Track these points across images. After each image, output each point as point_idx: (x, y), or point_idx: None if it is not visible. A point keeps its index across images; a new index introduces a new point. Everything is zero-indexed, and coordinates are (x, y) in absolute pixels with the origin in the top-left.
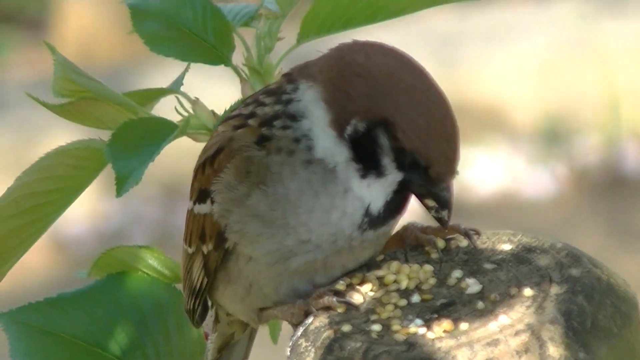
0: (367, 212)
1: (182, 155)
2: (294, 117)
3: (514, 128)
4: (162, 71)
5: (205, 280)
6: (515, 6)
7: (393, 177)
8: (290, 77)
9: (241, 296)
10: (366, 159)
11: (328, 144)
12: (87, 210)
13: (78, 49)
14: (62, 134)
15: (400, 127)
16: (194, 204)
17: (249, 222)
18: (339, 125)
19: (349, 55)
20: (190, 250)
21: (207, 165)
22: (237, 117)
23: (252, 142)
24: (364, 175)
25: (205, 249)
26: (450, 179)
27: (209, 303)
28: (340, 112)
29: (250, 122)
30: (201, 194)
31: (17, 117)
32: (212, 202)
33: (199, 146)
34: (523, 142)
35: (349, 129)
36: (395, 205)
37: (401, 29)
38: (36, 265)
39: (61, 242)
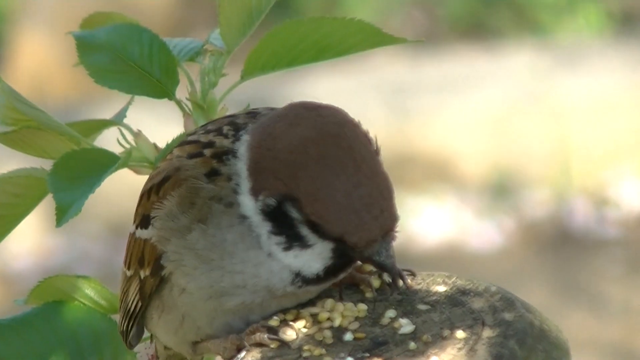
0: (298, 276)
1: (127, 191)
2: (230, 172)
3: (463, 180)
4: (114, 107)
5: (140, 304)
6: (469, 58)
7: (320, 247)
8: (248, 120)
9: (175, 327)
10: (286, 231)
11: (251, 212)
12: (32, 246)
13: (31, 84)
14: (6, 165)
15: (303, 202)
16: (136, 228)
17: (187, 255)
18: (255, 196)
19: (274, 123)
20: (128, 273)
21: (153, 192)
22: (194, 143)
23: (202, 174)
24: (287, 248)
25: (142, 273)
26: (374, 246)
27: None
28: (255, 184)
29: (206, 152)
30: (144, 220)
31: None
32: (153, 227)
33: (142, 184)
34: (471, 194)
35: (259, 204)
36: (337, 268)
37: (355, 77)
38: None
39: (6, 277)
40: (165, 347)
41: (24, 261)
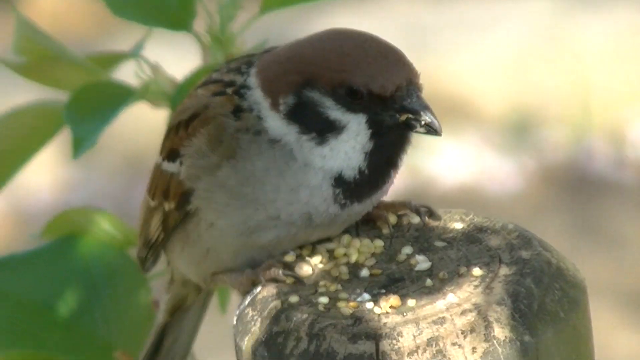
0: (338, 182)
1: (144, 127)
2: (250, 103)
3: (482, 119)
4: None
5: (162, 235)
6: None
7: (353, 124)
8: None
9: (197, 260)
10: (315, 124)
11: (277, 125)
12: (50, 181)
13: (49, 20)
14: (22, 97)
15: (319, 75)
16: (163, 160)
17: (217, 192)
18: (276, 106)
19: (275, 48)
20: (152, 204)
21: (182, 127)
22: (217, 82)
23: (229, 111)
24: (320, 142)
25: (167, 206)
26: (402, 91)
27: (165, 259)
28: (272, 96)
29: (228, 90)
30: (172, 153)
31: None
32: (181, 164)
33: (163, 120)
34: (491, 133)
35: (282, 108)
36: (381, 159)
37: (374, 15)
38: None
39: (23, 212)
40: (181, 274)
41: (42, 196)
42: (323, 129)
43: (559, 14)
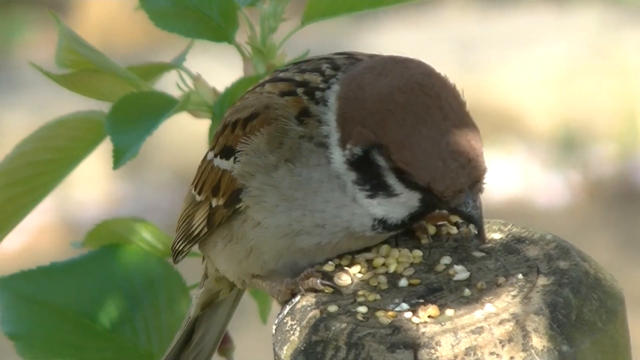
0: (380, 222)
1: (191, 141)
2: (320, 116)
3: (530, 134)
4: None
5: (205, 230)
6: (538, 12)
7: (406, 196)
8: (346, 62)
9: (239, 258)
10: (372, 180)
11: (338, 160)
12: (99, 195)
13: (99, 32)
14: (65, 108)
15: (391, 150)
16: (215, 156)
17: (269, 192)
18: (342, 146)
19: (362, 74)
20: (198, 198)
21: (239, 125)
22: (287, 81)
23: (292, 115)
24: (372, 196)
25: (215, 202)
26: (462, 196)
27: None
28: (343, 134)
29: (299, 90)
30: (226, 150)
31: (34, 98)
32: (235, 161)
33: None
34: (539, 148)
35: (347, 153)
36: (421, 215)
37: (423, 29)
38: (47, 247)
39: (72, 225)
40: (217, 270)
41: (90, 210)
42: (378, 188)
43: (606, 28)
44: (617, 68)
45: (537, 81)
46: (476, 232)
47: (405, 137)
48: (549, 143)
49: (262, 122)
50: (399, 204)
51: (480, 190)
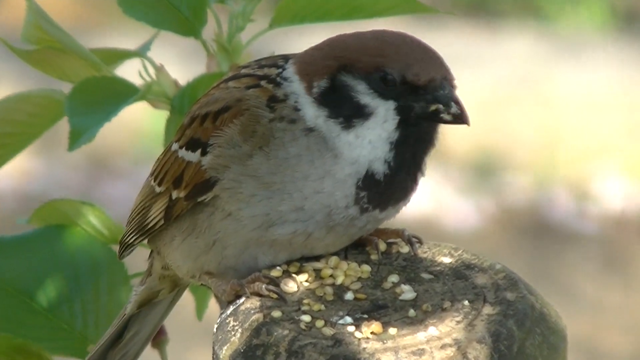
0: (364, 183)
1: (108, 126)
2: (286, 92)
3: (446, 156)
4: (120, 40)
5: (161, 223)
6: (468, 36)
7: (382, 109)
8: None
9: (197, 253)
10: (346, 109)
11: (310, 112)
12: (10, 169)
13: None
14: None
15: (356, 59)
16: (180, 147)
17: (245, 182)
18: (310, 90)
19: (311, 48)
20: (158, 189)
21: (209, 118)
22: (250, 76)
23: (263, 103)
24: (347, 126)
25: (175, 194)
26: (436, 82)
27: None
28: (307, 80)
29: (263, 83)
30: (193, 142)
31: None
32: (204, 154)
33: (129, 121)
34: (453, 171)
35: (315, 92)
36: (406, 153)
37: None
38: None
39: None
40: (164, 267)
41: (2, 183)
42: (351, 114)
43: (536, 58)
44: (543, 99)
45: None
46: (459, 111)
47: (368, 42)
48: (464, 167)
49: (235, 114)
50: (377, 128)
51: (453, 85)
